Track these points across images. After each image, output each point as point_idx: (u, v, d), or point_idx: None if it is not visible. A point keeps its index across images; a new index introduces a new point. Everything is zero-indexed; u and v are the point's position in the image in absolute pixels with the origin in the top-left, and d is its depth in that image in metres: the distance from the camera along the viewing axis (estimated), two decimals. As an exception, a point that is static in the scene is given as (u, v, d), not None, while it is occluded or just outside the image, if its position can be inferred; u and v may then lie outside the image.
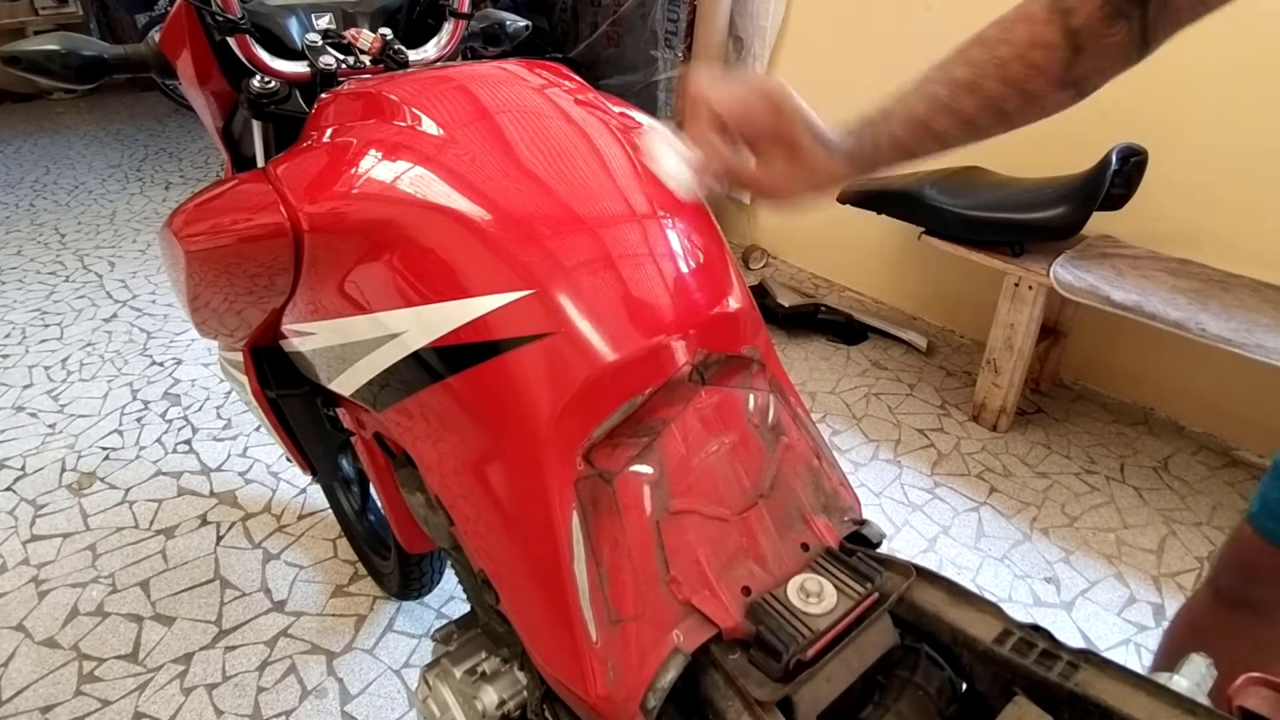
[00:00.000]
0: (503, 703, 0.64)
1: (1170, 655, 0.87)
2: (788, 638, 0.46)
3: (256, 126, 0.86)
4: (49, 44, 0.80)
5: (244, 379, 0.86)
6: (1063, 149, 1.89)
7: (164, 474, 1.69)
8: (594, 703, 0.48)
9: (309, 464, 1.01)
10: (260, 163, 0.87)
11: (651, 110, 2.92)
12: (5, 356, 2.09)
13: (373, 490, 1.27)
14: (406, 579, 1.31)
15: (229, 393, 1.96)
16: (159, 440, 1.80)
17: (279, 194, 0.63)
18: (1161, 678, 0.43)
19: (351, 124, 0.69)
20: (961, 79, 0.53)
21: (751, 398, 0.57)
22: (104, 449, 1.76)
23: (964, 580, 1.41)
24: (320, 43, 0.84)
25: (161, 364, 2.08)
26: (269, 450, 1.77)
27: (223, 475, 1.70)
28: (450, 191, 0.57)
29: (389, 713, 1.22)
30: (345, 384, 0.68)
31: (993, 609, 0.49)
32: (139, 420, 1.86)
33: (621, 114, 0.69)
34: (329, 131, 0.71)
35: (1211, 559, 0.86)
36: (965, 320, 2.36)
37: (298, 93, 0.83)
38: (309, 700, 1.23)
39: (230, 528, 1.55)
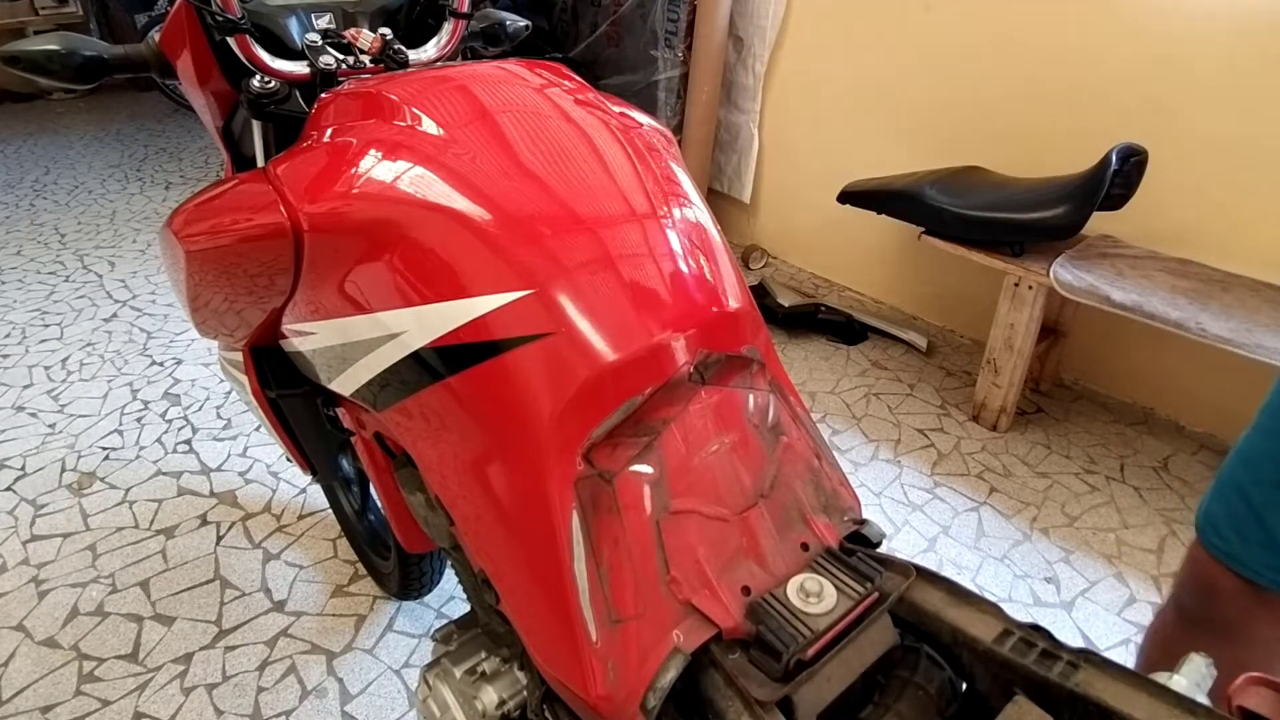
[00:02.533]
0: (503, 702, 0.64)
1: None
2: (788, 637, 0.46)
3: (256, 126, 0.86)
4: (49, 44, 0.80)
5: (244, 379, 0.86)
6: (1063, 149, 1.90)
7: (164, 474, 1.69)
8: (594, 702, 0.48)
9: (309, 464, 1.01)
10: (260, 163, 0.87)
11: (651, 110, 2.93)
12: (5, 356, 2.09)
13: (373, 490, 1.27)
14: (406, 579, 1.31)
15: (229, 393, 1.96)
16: (159, 440, 1.80)
17: (279, 194, 0.63)
18: (1161, 678, 0.43)
19: (351, 124, 0.69)
20: None
21: (751, 398, 0.57)
22: (104, 449, 1.76)
23: (964, 580, 1.41)
24: (320, 43, 0.84)
25: (161, 364, 2.08)
26: (269, 450, 1.77)
27: (223, 475, 1.70)
28: (450, 191, 0.57)
29: (389, 713, 1.22)
30: (345, 384, 0.68)
31: (993, 609, 0.49)
32: (139, 420, 1.86)
33: (621, 114, 0.69)
34: (329, 131, 0.71)
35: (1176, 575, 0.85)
36: (965, 320, 2.36)
37: (297, 93, 0.83)
38: (309, 700, 1.23)
39: (230, 528, 1.55)
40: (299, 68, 0.83)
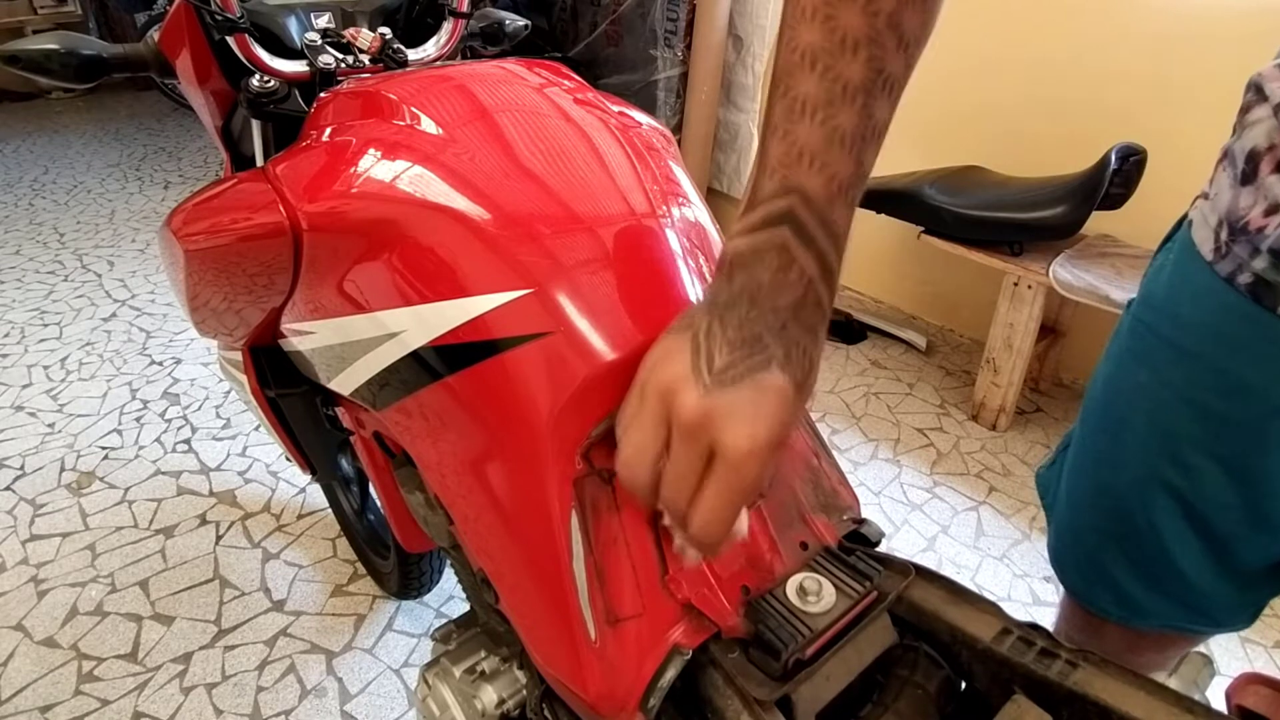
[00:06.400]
0: (502, 701, 0.64)
1: None
2: (787, 636, 0.46)
3: (256, 126, 0.86)
4: (48, 43, 0.80)
5: (243, 378, 0.86)
6: (1062, 149, 1.90)
7: (163, 473, 1.69)
8: (593, 701, 0.48)
9: (308, 463, 1.01)
10: (259, 162, 0.87)
11: (651, 109, 2.92)
12: (4, 356, 2.09)
13: (372, 490, 1.27)
14: (406, 578, 1.31)
15: (228, 392, 1.96)
16: (158, 440, 1.80)
17: (278, 193, 0.63)
18: (1160, 676, 0.43)
19: (351, 123, 0.69)
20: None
21: (750, 397, 0.57)
22: (103, 448, 1.76)
23: (963, 579, 1.42)
24: (319, 42, 0.84)
25: (161, 363, 2.08)
26: (268, 449, 1.77)
27: (222, 475, 1.70)
28: (449, 190, 0.57)
29: (388, 712, 1.22)
30: (344, 383, 0.68)
31: (992, 608, 0.49)
32: (138, 420, 1.86)
33: (621, 113, 0.69)
34: (328, 131, 0.71)
35: None
36: (964, 319, 2.36)
37: (297, 92, 0.83)
38: (308, 700, 1.23)
39: (229, 527, 1.55)
40: (298, 67, 0.83)
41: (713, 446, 0.38)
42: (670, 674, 0.46)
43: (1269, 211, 0.48)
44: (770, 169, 0.38)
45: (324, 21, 0.87)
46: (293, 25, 0.87)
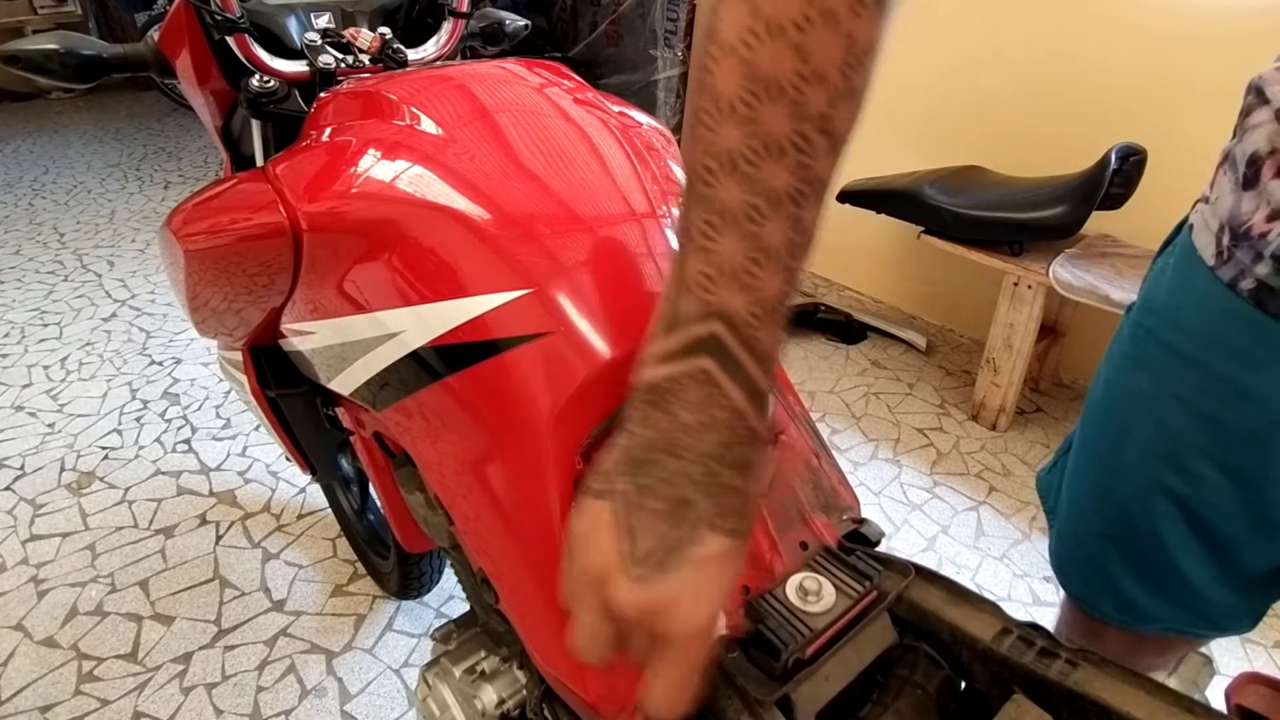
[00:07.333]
0: (502, 701, 0.64)
1: None
2: (787, 636, 0.46)
3: (255, 126, 0.86)
4: (48, 43, 0.80)
5: (243, 378, 0.86)
6: (1062, 149, 1.89)
7: (163, 473, 1.69)
8: (593, 701, 0.48)
9: (308, 463, 1.01)
10: (259, 162, 0.87)
11: (651, 109, 2.92)
12: (4, 356, 2.09)
13: (372, 490, 1.27)
14: (406, 578, 1.31)
15: (228, 392, 1.96)
16: (158, 440, 1.80)
17: (278, 193, 0.63)
18: (1160, 676, 0.43)
19: (350, 123, 0.69)
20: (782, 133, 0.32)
21: (750, 397, 0.57)
22: (103, 448, 1.76)
23: (963, 579, 1.41)
24: (319, 42, 0.84)
25: (161, 363, 2.08)
26: (268, 449, 1.77)
27: (222, 475, 1.70)
28: (449, 190, 0.57)
29: (388, 712, 1.22)
30: (344, 383, 0.68)
31: (991, 608, 0.49)
32: (138, 420, 1.86)
33: (621, 113, 0.69)
34: (328, 131, 0.71)
35: None
36: (964, 319, 2.36)
37: (297, 92, 0.83)
38: (308, 700, 1.23)
39: (229, 527, 1.55)
40: (298, 67, 0.83)
41: (659, 631, 0.36)
42: (670, 674, 0.46)
43: (1271, 217, 0.48)
44: (689, 287, 0.35)
45: (324, 21, 0.87)
46: (293, 25, 0.87)
